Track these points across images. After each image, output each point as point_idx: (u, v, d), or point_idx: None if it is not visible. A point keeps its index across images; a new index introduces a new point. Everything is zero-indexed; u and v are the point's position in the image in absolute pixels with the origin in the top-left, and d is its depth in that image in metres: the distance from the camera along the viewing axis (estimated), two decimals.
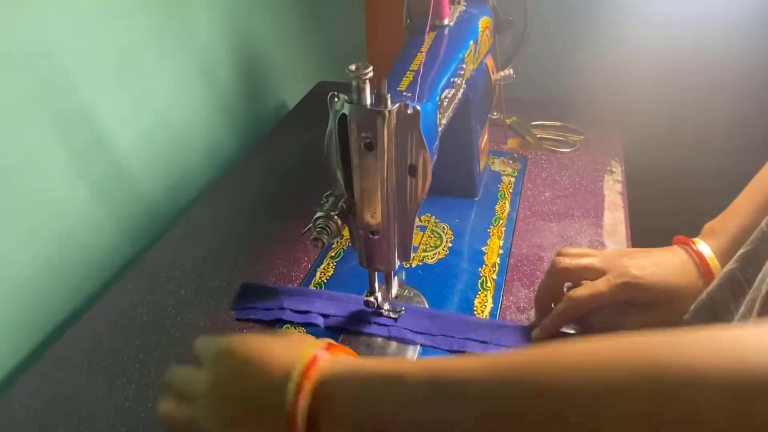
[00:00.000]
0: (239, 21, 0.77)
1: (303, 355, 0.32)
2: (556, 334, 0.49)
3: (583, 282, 0.48)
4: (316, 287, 0.56)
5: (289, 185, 0.73)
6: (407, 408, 0.28)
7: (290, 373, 0.31)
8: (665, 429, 0.21)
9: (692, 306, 0.41)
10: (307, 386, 0.30)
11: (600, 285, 0.46)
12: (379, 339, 0.51)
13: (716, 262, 0.44)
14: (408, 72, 0.47)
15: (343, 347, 0.35)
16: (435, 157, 0.45)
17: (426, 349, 0.49)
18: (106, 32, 0.57)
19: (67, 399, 0.47)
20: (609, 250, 0.51)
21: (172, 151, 0.69)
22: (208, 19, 0.70)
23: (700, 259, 0.45)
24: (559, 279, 0.49)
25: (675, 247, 0.47)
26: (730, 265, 0.38)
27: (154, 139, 0.65)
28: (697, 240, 0.46)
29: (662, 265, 0.45)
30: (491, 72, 0.62)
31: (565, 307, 0.47)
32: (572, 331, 0.50)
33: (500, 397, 0.25)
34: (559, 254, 0.49)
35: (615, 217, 0.64)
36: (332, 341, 0.35)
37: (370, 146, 0.39)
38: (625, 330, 0.46)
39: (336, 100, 0.39)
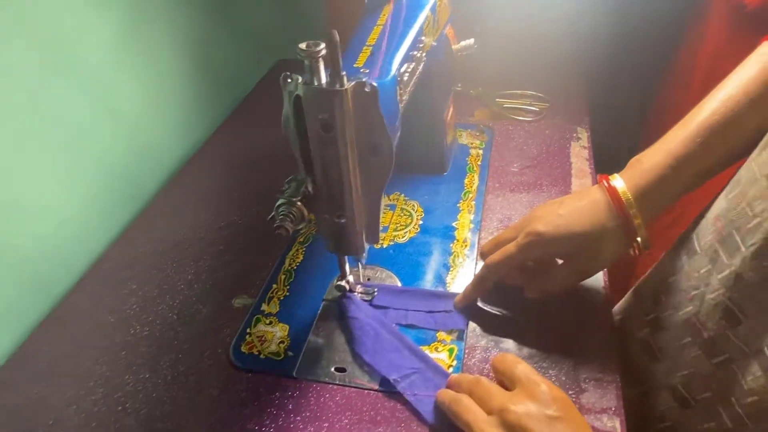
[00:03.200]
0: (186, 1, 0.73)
1: None
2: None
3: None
4: (286, 274, 0.55)
5: (252, 171, 0.70)
6: None
7: None
8: None
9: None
10: None
11: (509, 247, 0.47)
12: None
13: (628, 194, 0.43)
14: (365, 47, 0.45)
15: None
16: (397, 134, 0.44)
17: (402, 328, 0.49)
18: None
19: (32, 408, 0.45)
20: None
21: (126, 145, 0.65)
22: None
23: (612, 195, 0.44)
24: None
25: (593, 188, 0.47)
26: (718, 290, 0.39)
27: (103, 132, 0.62)
28: (614, 175, 0.45)
29: (567, 215, 0.45)
30: (452, 43, 0.60)
31: (481, 273, 0.49)
32: (499, 312, 0.50)
33: None
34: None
35: (583, 183, 0.64)
36: None
37: (328, 127, 0.38)
38: (555, 290, 0.48)
39: (289, 80, 0.37)
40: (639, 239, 0.44)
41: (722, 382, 0.39)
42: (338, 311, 0.50)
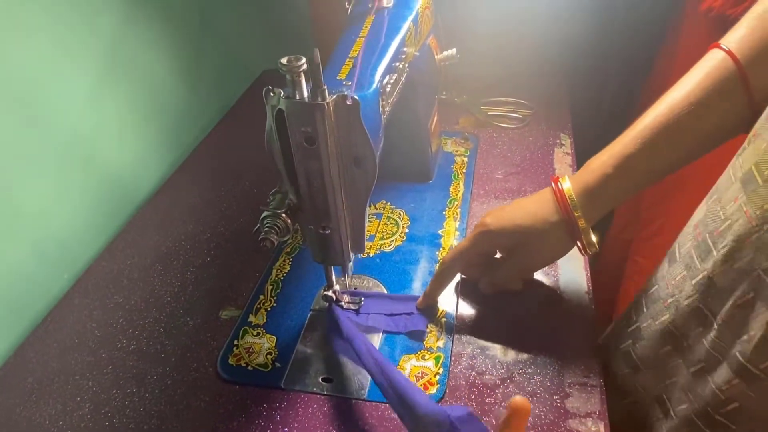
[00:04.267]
0: (171, 11, 0.74)
1: None
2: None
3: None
4: (273, 285, 0.55)
5: (238, 182, 0.71)
6: None
7: None
8: None
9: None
10: None
11: (462, 242, 0.50)
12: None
13: (573, 195, 0.45)
14: (347, 59, 0.46)
15: None
16: (380, 145, 0.44)
17: (388, 336, 0.49)
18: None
19: (17, 425, 0.45)
20: None
21: (111, 158, 0.65)
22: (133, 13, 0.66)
23: (558, 195, 0.46)
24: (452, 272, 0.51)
25: (544, 189, 0.49)
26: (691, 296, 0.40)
27: (88, 146, 0.62)
28: (564, 177, 0.47)
29: (514, 210, 0.48)
30: (435, 53, 0.61)
31: (438, 270, 0.51)
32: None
33: None
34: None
35: None
36: None
37: (311, 140, 0.38)
38: (503, 282, 0.50)
39: (271, 94, 0.38)
40: (584, 240, 0.46)
41: (698, 393, 0.40)
42: (327, 326, 0.50)
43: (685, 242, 0.42)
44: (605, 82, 0.98)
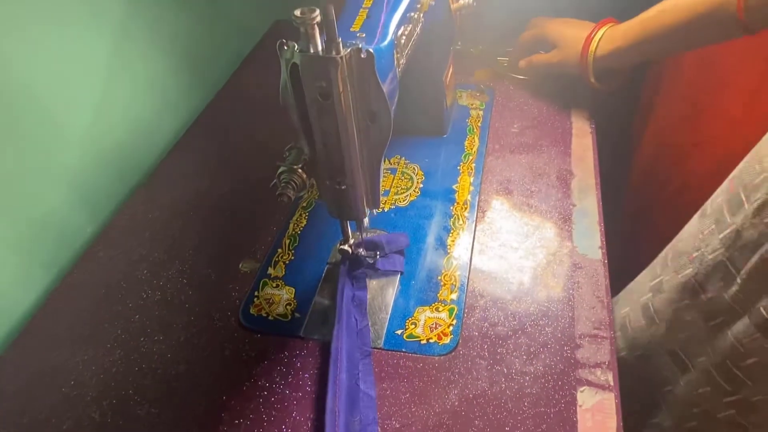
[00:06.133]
0: None
1: None
2: None
3: None
4: (290, 239, 0.56)
5: (254, 135, 0.71)
6: None
7: None
8: None
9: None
10: None
11: (523, 34, 0.72)
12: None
13: (606, 28, 0.63)
14: (361, 10, 0.45)
15: None
16: (395, 99, 0.44)
17: (403, 288, 0.51)
18: None
19: (53, 370, 0.48)
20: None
21: (129, 116, 0.66)
22: None
23: (597, 26, 0.64)
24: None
25: (589, 25, 0.66)
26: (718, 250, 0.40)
27: (104, 102, 0.62)
28: (603, 28, 0.64)
29: (564, 25, 0.68)
30: (451, 1, 0.59)
31: (514, 48, 0.75)
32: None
33: None
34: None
35: (583, 144, 0.64)
36: None
37: (326, 95, 0.38)
38: (540, 63, 0.70)
39: (285, 48, 0.37)
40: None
41: (717, 346, 0.40)
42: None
43: (718, 196, 0.42)
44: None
